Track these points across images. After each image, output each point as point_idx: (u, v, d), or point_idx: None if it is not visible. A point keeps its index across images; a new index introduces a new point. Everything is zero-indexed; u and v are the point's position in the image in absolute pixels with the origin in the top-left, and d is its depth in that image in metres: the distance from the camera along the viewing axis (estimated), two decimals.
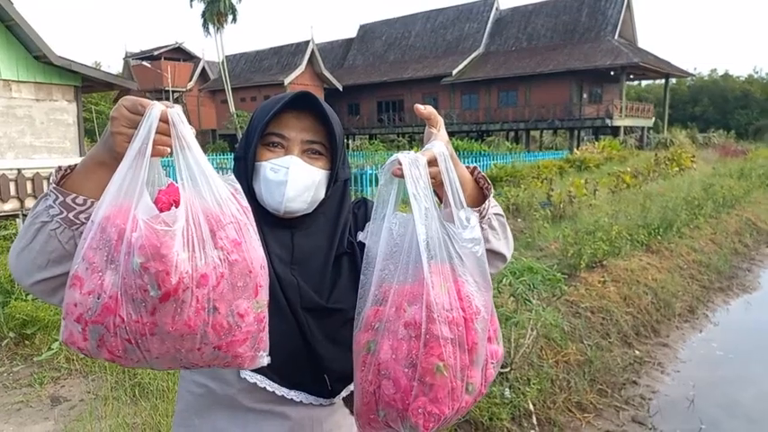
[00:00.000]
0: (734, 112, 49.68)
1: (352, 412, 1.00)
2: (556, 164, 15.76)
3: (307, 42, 35.18)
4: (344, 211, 1.17)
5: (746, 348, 5.40)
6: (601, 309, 5.23)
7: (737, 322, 6.22)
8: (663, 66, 30.55)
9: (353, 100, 37.53)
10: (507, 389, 3.59)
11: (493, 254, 1.10)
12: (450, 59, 34.51)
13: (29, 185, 9.02)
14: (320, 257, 1.12)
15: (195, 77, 39.97)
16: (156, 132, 0.83)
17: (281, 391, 1.07)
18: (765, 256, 9.06)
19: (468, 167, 1.10)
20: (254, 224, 0.91)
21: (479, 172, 1.10)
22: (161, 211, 0.82)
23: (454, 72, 33.02)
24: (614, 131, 28.94)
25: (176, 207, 0.82)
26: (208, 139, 36.88)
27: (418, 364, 0.85)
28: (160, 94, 34.05)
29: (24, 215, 8.49)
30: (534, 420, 3.57)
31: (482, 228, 1.05)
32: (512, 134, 33.41)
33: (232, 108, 31.61)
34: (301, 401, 1.09)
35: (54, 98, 10.04)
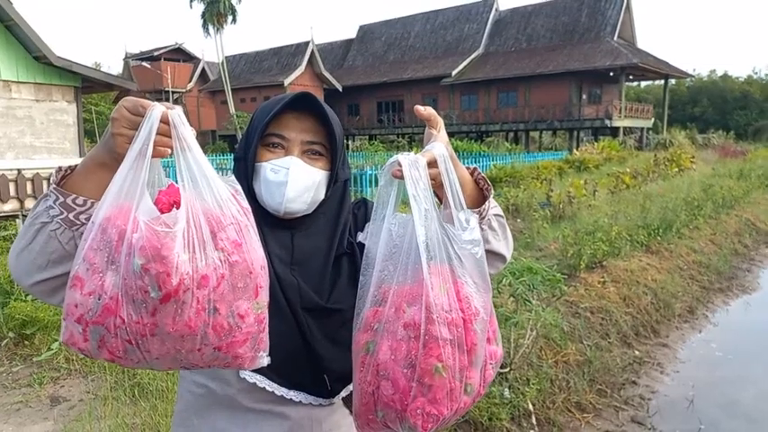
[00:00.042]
0: (733, 112, 49.71)
1: (351, 412, 1.00)
2: (555, 164, 15.78)
3: (306, 43, 35.19)
4: (344, 212, 1.18)
5: (746, 349, 5.40)
6: (600, 309, 5.23)
7: (737, 323, 6.22)
8: (662, 66, 30.58)
9: (353, 100, 37.54)
10: (507, 389, 3.59)
11: (493, 254, 1.10)
12: (449, 60, 34.52)
13: (29, 186, 9.02)
14: (320, 258, 1.12)
15: (195, 78, 39.98)
16: (157, 133, 0.83)
17: (280, 391, 1.07)
18: (765, 257, 9.07)
19: (468, 168, 1.10)
20: (255, 225, 0.91)
21: (479, 173, 1.11)
22: (161, 211, 0.82)
23: (454, 73, 33.04)
24: (613, 132, 28.96)
25: (177, 208, 0.83)
26: (207, 140, 36.88)
27: (417, 365, 0.85)
28: (160, 94, 34.06)
29: (24, 216, 8.49)
30: (534, 420, 3.57)
31: (482, 228, 1.05)
32: (511, 135, 33.42)
33: (232, 109, 31.61)
34: (301, 401, 1.09)
35: (54, 99, 10.04)
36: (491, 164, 16.09)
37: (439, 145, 0.96)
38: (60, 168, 0.92)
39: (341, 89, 35.83)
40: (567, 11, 32.59)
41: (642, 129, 31.22)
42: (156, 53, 38.78)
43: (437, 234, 0.90)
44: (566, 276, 5.09)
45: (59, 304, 0.93)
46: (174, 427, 1.19)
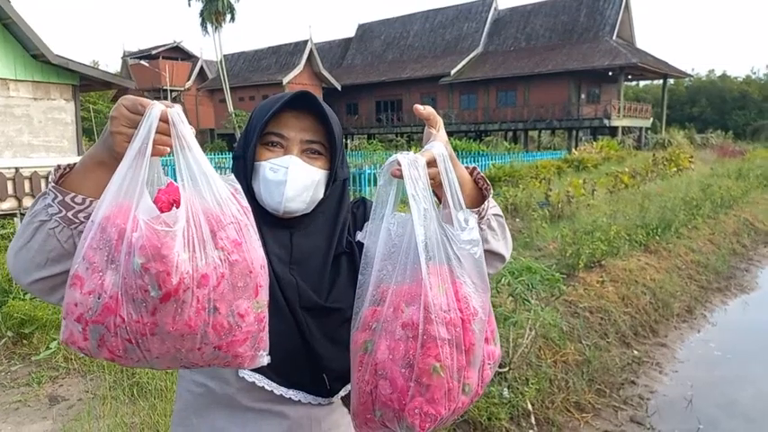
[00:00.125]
0: (732, 112, 49.75)
1: (350, 411, 1.00)
2: (554, 164, 15.80)
3: (305, 42, 35.16)
4: (343, 211, 1.17)
5: (744, 348, 5.41)
6: (599, 309, 5.23)
7: (735, 322, 6.23)
8: (661, 66, 30.60)
9: (352, 100, 37.53)
10: (506, 389, 3.59)
11: (492, 254, 1.10)
12: (448, 59, 34.52)
13: (26, 184, 9.00)
14: (319, 257, 1.12)
15: (193, 77, 39.95)
16: (156, 132, 0.83)
17: (279, 390, 1.07)
18: (763, 257, 9.08)
19: (467, 168, 1.10)
20: (255, 224, 0.91)
21: (479, 172, 1.11)
22: (161, 210, 0.82)
23: (453, 72, 33.04)
24: (612, 132, 28.98)
25: (176, 207, 0.83)
26: (206, 139, 36.86)
27: (415, 365, 0.85)
28: (158, 93, 34.03)
29: (22, 214, 8.48)
30: (533, 420, 3.57)
31: (481, 228, 1.05)
32: (510, 134, 33.43)
33: (230, 107, 31.59)
34: (300, 401, 1.09)
35: (52, 97, 10.02)
36: (490, 163, 16.09)
37: (438, 144, 0.96)
38: (59, 167, 0.92)
39: (339, 88, 35.81)
40: (566, 10, 32.60)
41: (641, 128, 31.25)
42: (154, 51, 38.76)
43: (436, 234, 0.90)
44: (564, 276, 5.09)
45: (58, 303, 0.93)
46: (174, 426, 1.19)
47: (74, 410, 3.30)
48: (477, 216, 1.03)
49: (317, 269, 1.11)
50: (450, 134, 1.08)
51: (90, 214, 0.87)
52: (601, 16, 31.16)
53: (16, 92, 9.55)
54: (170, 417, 2.22)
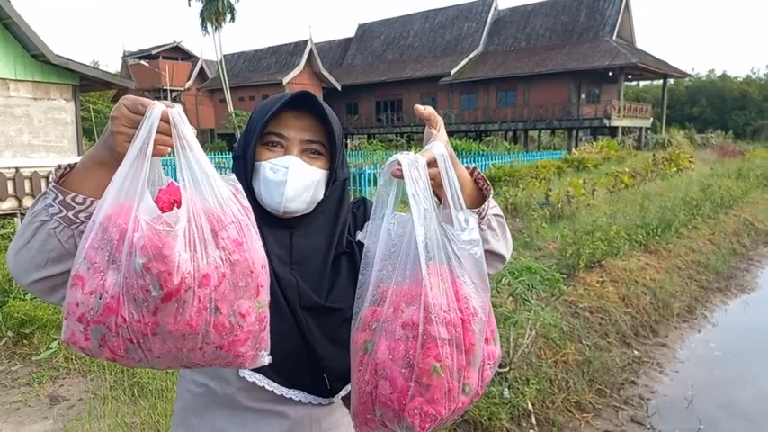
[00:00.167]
0: (732, 112, 49.74)
1: (350, 411, 1.00)
2: (554, 164, 15.80)
3: (305, 42, 35.16)
4: (343, 211, 1.17)
5: (745, 348, 5.41)
6: (599, 309, 5.23)
7: (736, 322, 6.23)
8: (661, 66, 30.59)
9: (352, 100, 37.52)
10: (506, 388, 3.59)
11: (492, 254, 1.10)
12: (448, 59, 34.52)
13: (27, 184, 9.00)
14: (319, 257, 1.12)
15: (193, 77, 39.94)
16: (157, 132, 0.83)
17: (280, 390, 1.07)
18: (763, 257, 9.08)
19: (467, 168, 1.10)
20: (255, 224, 0.91)
21: (479, 173, 1.11)
22: (162, 210, 0.82)
23: (453, 72, 33.03)
24: (612, 132, 28.98)
25: (177, 207, 0.83)
26: (206, 139, 36.86)
27: (415, 365, 0.85)
28: (158, 93, 34.04)
29: (22, 214, 8.48)
30: (533, 420, 3.57)
31: (481, 228, 1.05)
32: (510, 134, 33.43)
33: (230, 107, 31.58)
34: (300, 400, 1.09)
35: (52, 97, 10.03)
36: (490, 163, 16.09)
37: (439, 144, 0.96)
38: (60, 166, 0.92)
39: (339, 88, 35.81)
40: (566, 10, 32.60)
41: (641, 128, 31.24)
42: (154, 51, 38.77)
43: (436, 234, 0.90)
44: (564, 276, 5.09)
45: (58, 302, 0.93)
46: (174, 426, 1.19)
47: (74, 410, 3.30)
48: (477, 216, 1.04)
49: (317, 269, 1.11)
50: (450, 134, 1.08)
51: (90, 214, 0.87)
52: (601, 16, 31.16)
53: (16, 92, 9.55)
54: (170, 417, 2.22)
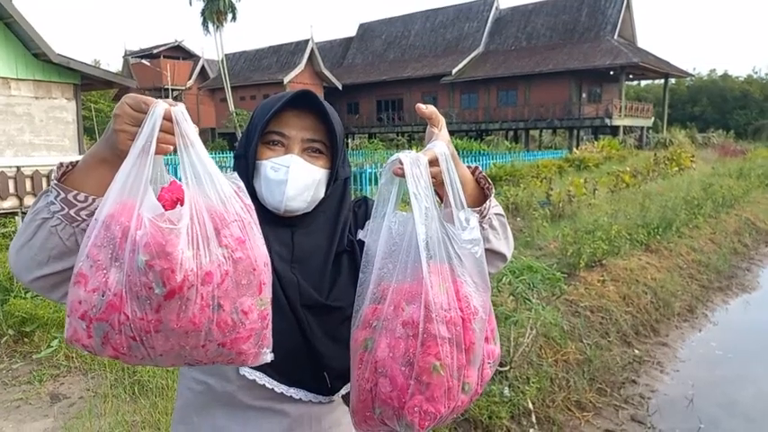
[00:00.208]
0: (733, 112, 49.66)
1: (350, 409, 1.01)
2: (555, 163, 15.79)
3: (306, 41, 35.13)
4: (344, 210, 1.17)
5: (745, 348, 5.41)
6: (600, 308, 5.23)
7: (736, 322, 6.23)
8: (662, 66, 30.56)
9: (353, 99, 37.50)
10: (507, 387, 3.59)
11: (493, 253, 1.10)
12: (449, 58, 34.49)
13: (28, 183, 9.01)
14: (320, 256, 1.12)
15: (194, 76, 39.95)
16: (160, 130, 0.83)
17: (280, 388, 1.07)
18: (764, 256, 9.07)
19: (469, 167, 1.10)
20: (258, 222, 0.91)
21: (480, 172, 1.11)
22: (164, 208, 0.83)
23: (454, 71, 33.01)
24: (613, 131, 28.94)
25: (181, 205, 0.83)
26: (207, 138, 36.83)
27: (415, 363, 0.86)
28: (159, 92, 34.04)
29: (23, 213, 8.49)
30: (533, 419, 3.57)
31: (482, 227, 1.05)
32: (511, 133, 33.41)
33: (231, 107, 31.58)
34: (300, 399, 1.09)
35: (53, 96, 10.03)
36: (491, 162, 16.08)
37: (440, 143, 0.96)
38: (62, 164, 0.92)
39: (340, 87, 35.79)
40: (567, 9, 32.56)
41: (642, 128, 31.20)
42: (155, 51, 38.77)
43: (437, 233, 0.90)
44: (565, 275, 5.09)
45: (60, 300, 0.94)
46: (174, 424, 1.19)
47: (75, 408, 3.30)
48: (478, 215, 1.04)
49: (318, 268, 1.11)
50: (451, 133, 1.08)
51: (92, 212, 0.87)
52: (602, 15, 31.12)
53: (18, 91, 9.56)
54: (171, 415, 2.23)
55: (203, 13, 31.27)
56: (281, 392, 1.07)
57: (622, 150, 21.71)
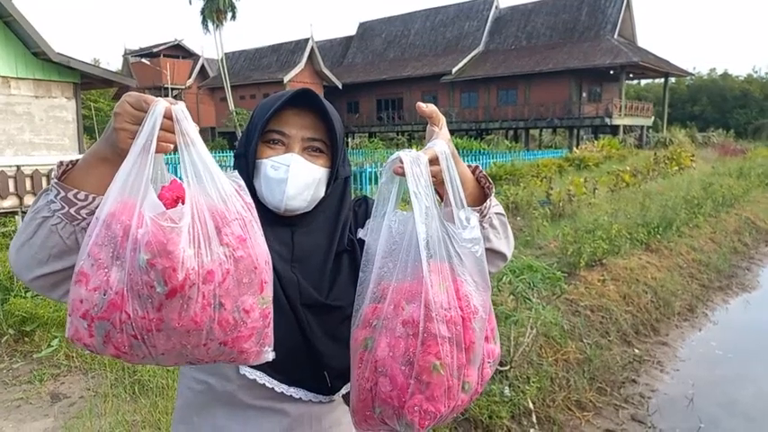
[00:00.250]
0: (733, 111, 49.66)
1: (350, 408, 1.00)
2: (555, 162, 15.80)
3: (306, 40, 35.13)
4: (345, 209, 1.17)
5: (746, 347, 5.41)
6: (600, 307, 5.23)
7: (737, 321, 6.23)
8: (662, 65, 30.55)
9: (353, 98, 37.49)
10: (507, 387, 3.60)
11: (493, 253, 1.10)
12: (449, 58, 34.48)
13: (28, 182, 9.01)
14: (320, 255, 1.12)
15: (194, 75, 39.93)
16: (161, 129, 0.83)
17: (280, 387, 1.07)
18: (765, 255, 9.07)
19: (469, 166, 1.10)
20: (258, 220, 0.91)
21: (481, 171, 1.11)
22: (165, 207, 0.83)
23: (454, 70, 33.00)
24: (614, 130, 28.94)
25: (182, 203, 0.83)
26: (207, 137, 36.81)
27: (415, 362, 0.86)
28: (159, 91, 34.04)
29: (23, 212, 8.49)
30: (534, 419, 3.57)
31: (483, 227, 1.05)
32: (511, 133, 33.40)
33: (231, 106, 31.58)
34: (301, 398, 1.09)
35: (53, 95, 10.03)
36: (491, 162, 16.08)
37: (441, 142, 0.96)
38: (62, 163, 0.92)
39: (340, 86, 35.79)
40: (567, 9, 32.55)
41: (642, 127, 31.20)
42: (155, 50, 38.76)
43: (437, 232, 0.90)
44: (566, 274, 5.09)
45: (60, 299, 0.94)
46: (175, 423, 1.19)
47: (75, 408, 3.30)
48: (478, 214, 1.04)
49: (318, 267, 1.11)
50: (451, 133, 1.08)
51: (92, 211, 0.87)
52: (602, 15, 31.11)
53: (17, 90, 9.56)
54: (171, 414, 2.23)
55: (203, 11, 31.27)
56: (282, 392, 1.07)
57: (622, 150, 21.71)
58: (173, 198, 0.84)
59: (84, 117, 13.83)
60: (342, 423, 1.16)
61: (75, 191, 0.89)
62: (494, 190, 1.10)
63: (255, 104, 1.35)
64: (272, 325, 0.91)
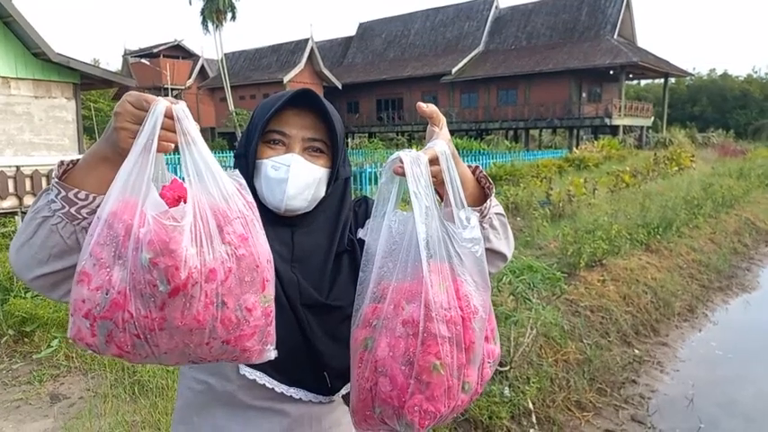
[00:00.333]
0: (733, 111, 49.66)
1: (349, 408, 1.00)
2: (555, 163, 15.80)
3: (306, 40, 35.12)
4: (345, 209, 1.17)
5: (746, 348, 5.41)
6: (600, 308, 5.23)
7: (737, 321, 6.23)
8: (662, 65, 30.55)
9: (353, 98, 37.49)
10: (507, 387, 3.59)
11: (494, 253, 1.10)
12: (449, 58, 34.48)
13: (27, 183, 9.00)
14: (320, 255, 1.12)
15: (194, 75, 39.93)
16: (161, 128, 0.83)
17: (280, 387, 1.07)
18: (764, 256, 9.07)
19: (469, 167, 1.10)
20: (260, 219, 0.91)
21: (481, 171, 1.11)
22: (167, 206, 0.82)
23: (454, 70, 33.00)
24: (613, 130, 28.94)
25: (184, 202, 0.83)
26: (207, 137, 36.78)
27: (415, 362, 0.85)
28: (159, 91, 34.01)
29: (23, 212, 8.48)
30: (534, 419, 3.57)
31: (483, 227, 1.05)
32: (511, 133, 33.40)
33: (231, 106, 31.57)
34: (301, 398, 1.09)
35: (53, 95, 10.03)
36: (491, 162, 16.08)
37: (441, 142, 0.96)
38: (62, 162, 0.92)
39: (340, 87, 35.78)
40: (567, 9, 32.55)
41: (642, 127, 31.20)
42: (155, 50, 38.76)
43: (437, 232, 0.90)
44: (565, 275, 5.09)
45: (60, 299, 0.94)
46: (175, 424, 1.19)
47: (75, 408, 3.30)
48: (478, 214, 1.04)
49: (318, 267, 1.11)
50: (451, 133, 1.08)
51: (93, 210, 0.87)
52: (602, 15, 31.12)
53: (17, 90, 9.56)
54: (171, 415, 2.23)
55: (203, 12, 31.26)
56: (282, 392, 1.07)
57: (622, 150, 21.71)
58: (174, 197, 0.84)
59: (84, 117, 13.83)
60: (342, 423, 1.16)
61: (76, 190, 0.89)
62: (494, 190, 1.10)
63: (255, 105, 1.35)
64: (274, 323, 0.91)
